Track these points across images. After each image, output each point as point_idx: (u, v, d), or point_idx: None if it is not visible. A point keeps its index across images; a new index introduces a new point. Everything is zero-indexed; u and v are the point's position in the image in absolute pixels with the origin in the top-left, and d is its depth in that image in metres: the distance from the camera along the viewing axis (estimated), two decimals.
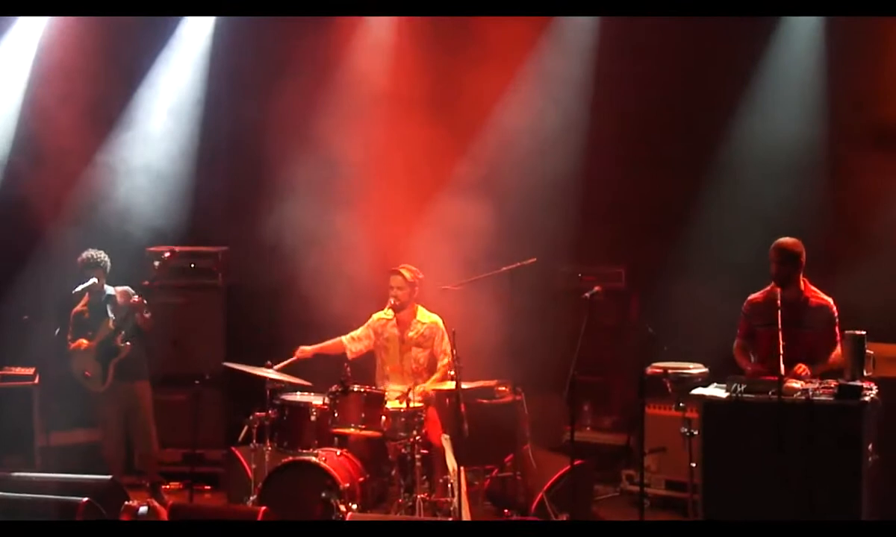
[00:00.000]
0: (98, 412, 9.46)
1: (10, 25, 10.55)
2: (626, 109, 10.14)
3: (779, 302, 7.64)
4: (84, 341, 9.31)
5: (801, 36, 9.81)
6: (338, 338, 9.35)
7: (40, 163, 10.59)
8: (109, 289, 9.40)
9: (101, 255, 9.36)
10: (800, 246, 7.94)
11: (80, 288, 9.26)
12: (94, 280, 9.22)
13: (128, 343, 9.22)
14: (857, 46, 9.60)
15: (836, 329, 7.96)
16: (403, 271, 9.08)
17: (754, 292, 8.18)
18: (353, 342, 9.31)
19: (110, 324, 9.25)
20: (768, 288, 8.08)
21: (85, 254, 9.33)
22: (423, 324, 9.14)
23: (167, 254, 9.36)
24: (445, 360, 8.99)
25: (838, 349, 7.86)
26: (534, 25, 10.27)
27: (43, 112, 10.62)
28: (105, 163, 10.74)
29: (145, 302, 9.14)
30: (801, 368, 7.72)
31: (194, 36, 10.90)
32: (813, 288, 8.04)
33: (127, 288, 9.41)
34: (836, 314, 7.99)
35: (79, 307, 9.43)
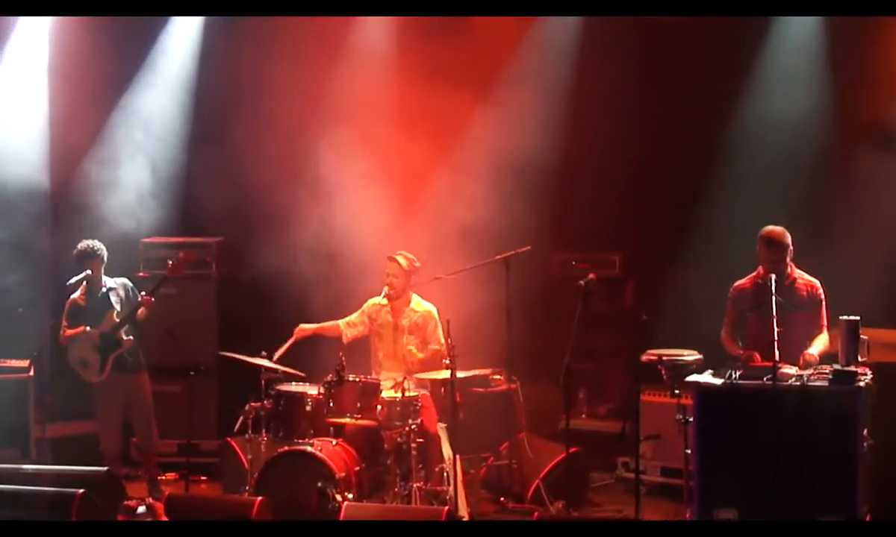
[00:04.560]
0: (96, 403, 9.40)
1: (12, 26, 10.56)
2: (622, 98, 10.11)
3: (773, 287, 7.64)
4: (84, 327, 9.25)
5: (800, 32, 9.79)
6: (335, 322, 9.33)
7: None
8: (109, 281, 9.36)
9: (98, 245, 9.31)
10: (786, 234, 7.97)
11: (74, 279, 9.23)
12: (88, 272, 9.20)
13: (130, 337, 9.22)
14: (858, 45, 9.59)
15: (823, 310, 8.01)
16: (399, 258, 9.04)
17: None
18: (348, 327, 9.28)
19: (115, 316, 9.22)
20: (754, 274, 8.10)
21: (81, 245, 9.28)
22: (417, 312, 9.11)
23: (182, 254, 9.39)
24: (434, 346, 8.98)
25: (825, 333, 7.93)
26: (531, 21, 10.30)
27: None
28: (99, 155, 10.72)
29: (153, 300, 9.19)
30: (810, 356, 7.75)
31: (188, 31, 10.86)
32: (799, 270, 8.06)
33: (125, 280, 9.40)
34: (822, 295, 8.04)
35: (76, 296, 9.36)
